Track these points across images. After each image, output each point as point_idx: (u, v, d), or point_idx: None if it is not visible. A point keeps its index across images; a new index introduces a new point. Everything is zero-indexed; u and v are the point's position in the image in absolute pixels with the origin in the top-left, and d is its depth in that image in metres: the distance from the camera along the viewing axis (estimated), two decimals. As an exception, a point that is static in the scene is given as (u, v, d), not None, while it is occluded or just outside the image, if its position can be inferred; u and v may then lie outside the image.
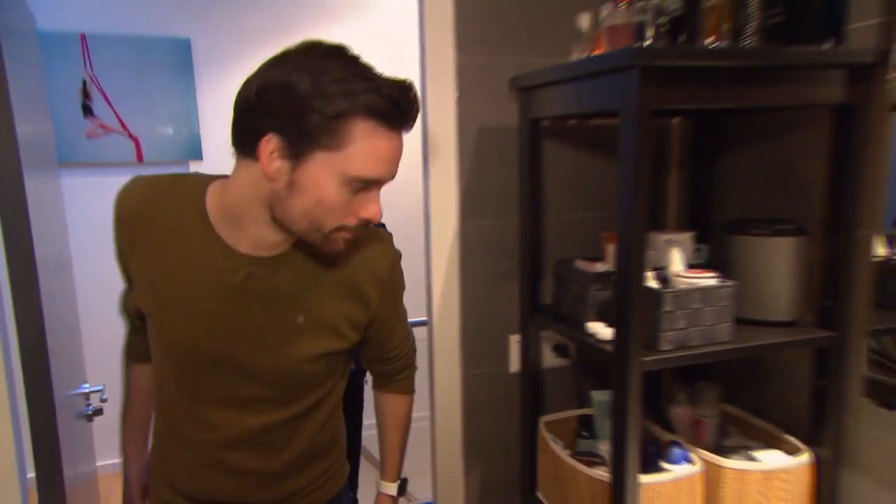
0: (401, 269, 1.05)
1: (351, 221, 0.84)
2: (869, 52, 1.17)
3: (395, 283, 1.05)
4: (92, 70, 2.95)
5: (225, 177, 0.92)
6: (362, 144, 0.78)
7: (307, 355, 0.95)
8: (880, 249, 1.21)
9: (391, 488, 1.23)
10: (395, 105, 0.80)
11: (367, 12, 3.20)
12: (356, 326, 1.00)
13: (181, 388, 0.96)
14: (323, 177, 0.79)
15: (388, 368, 1.17)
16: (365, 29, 3.20)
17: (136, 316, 1.06)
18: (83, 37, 2.90)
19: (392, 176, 0.85)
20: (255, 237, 0.88)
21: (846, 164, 1.23)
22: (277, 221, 0.86)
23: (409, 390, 1.22)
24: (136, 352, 1.14)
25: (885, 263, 1.20)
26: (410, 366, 1.21)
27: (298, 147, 0.78)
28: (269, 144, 0.78)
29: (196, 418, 0.96)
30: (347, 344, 0.99)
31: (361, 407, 2.07)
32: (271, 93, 0.77)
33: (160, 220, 0.91)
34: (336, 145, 0.77)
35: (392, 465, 1.23)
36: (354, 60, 0.81)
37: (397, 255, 1.04)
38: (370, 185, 0.83)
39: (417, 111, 0.85)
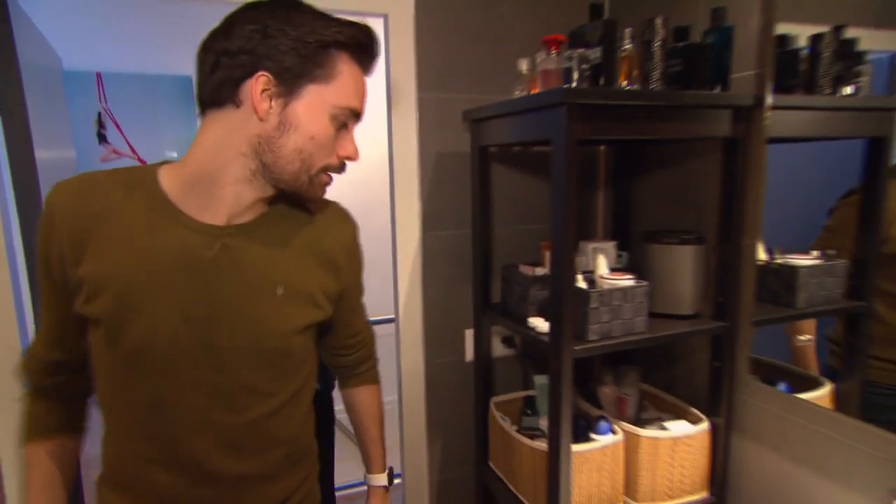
0: (360, 243, 0.96)
1: (334, 161, 0.78)
2: (748, 96, 1.23)
3: (359, 252, 0.96)
4: (106, 103, 2.95)
5: (168, 162, 0.80)
6: (348, 76, 0.75)
7: (292, 328, 0.82)
8: (762, 255, 1.26)
9: (381, 479, 1.12)
10: (371, 39, 0.76)
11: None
12: (330, 297, 0.88)
13: (153, 403, 0.76)
14: (315, 110, 0.73)
15: (353, 358, 1.05)
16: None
17: (45, 371, 0.83)
18: (98, 75, 2.90)
19: (363, 112, 0.80)
20: (231, 200, 0.76)
21: (733, 186, 1.28)
22: (259, 173, 0.75)
23: (377, 380, 1.12)
24: (41, 425, 0.85)
25: (766, 266, 1.26)
26: (373, 356, 1.11)
27: (291, 82, 0.71)
28: (260, 83, 0.70)
29: (175, 429, 0.77)
30: (324, 315, 0.87)
31: (333, 427, 1.90)
32: (252, 37, 0.70)
33: (108, 213, 0.74)
34: (327, 77, 0.73)
35: (378, 457, 1.11)
36: (318, 10, 0.75)
37: (357, 227, 0.95)
38: (350, 120, 0.78)
39: (379, 55, 0.80)
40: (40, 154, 1.34)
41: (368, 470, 1.11)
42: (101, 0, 2.60)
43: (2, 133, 1.26)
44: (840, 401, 1.15)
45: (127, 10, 2.82)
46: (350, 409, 1.10)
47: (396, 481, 2.14)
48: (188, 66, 3.01)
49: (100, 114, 2.99)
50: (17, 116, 1.25)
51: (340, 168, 0.81)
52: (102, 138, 2.99)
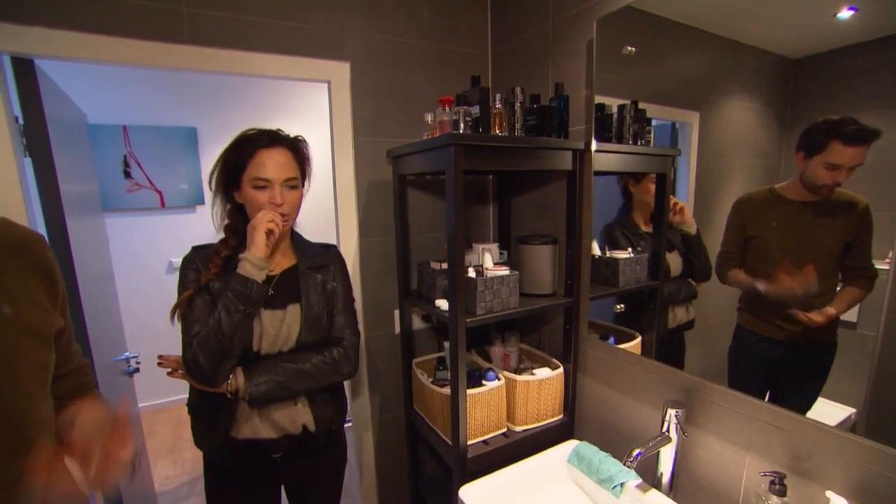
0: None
1: None
2: (581, 142, 1.25)
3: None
4: (130, 148, 2.95)
5: None
6: None
7: (30, 361, 0.48)
8: (595, 251, 1.28)
9: None
10: None
11: (308, 111, 3.17)
12: (54, 311, 0.54)
13: None
14: None
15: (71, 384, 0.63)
16: (306, 121, 3.13)
17: None
18: (124, 128, 2.87)
19: None
20: None
21: (574, 203, 1.28)
22: None
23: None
24: None
25: (598, 259, 1.28)
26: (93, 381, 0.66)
27: None
28: None
29: None
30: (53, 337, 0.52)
31: None
32: None
33: None
34: None
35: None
36: None
37: None
38: None
39: None
40: (65, 187, 1.23)
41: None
42: (126, 72, 2.67)
43: (32, 169, 1.17)
44: (644, 347, 1.19)
45: (147, 80, 2.83)
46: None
47: (347, 425, 2.06)
48: (195, 120, 2.95)
49: (125, 156, 2.96)
50: (43, 156, 1.16)
51: None
52: (127, 175, 2.95)
